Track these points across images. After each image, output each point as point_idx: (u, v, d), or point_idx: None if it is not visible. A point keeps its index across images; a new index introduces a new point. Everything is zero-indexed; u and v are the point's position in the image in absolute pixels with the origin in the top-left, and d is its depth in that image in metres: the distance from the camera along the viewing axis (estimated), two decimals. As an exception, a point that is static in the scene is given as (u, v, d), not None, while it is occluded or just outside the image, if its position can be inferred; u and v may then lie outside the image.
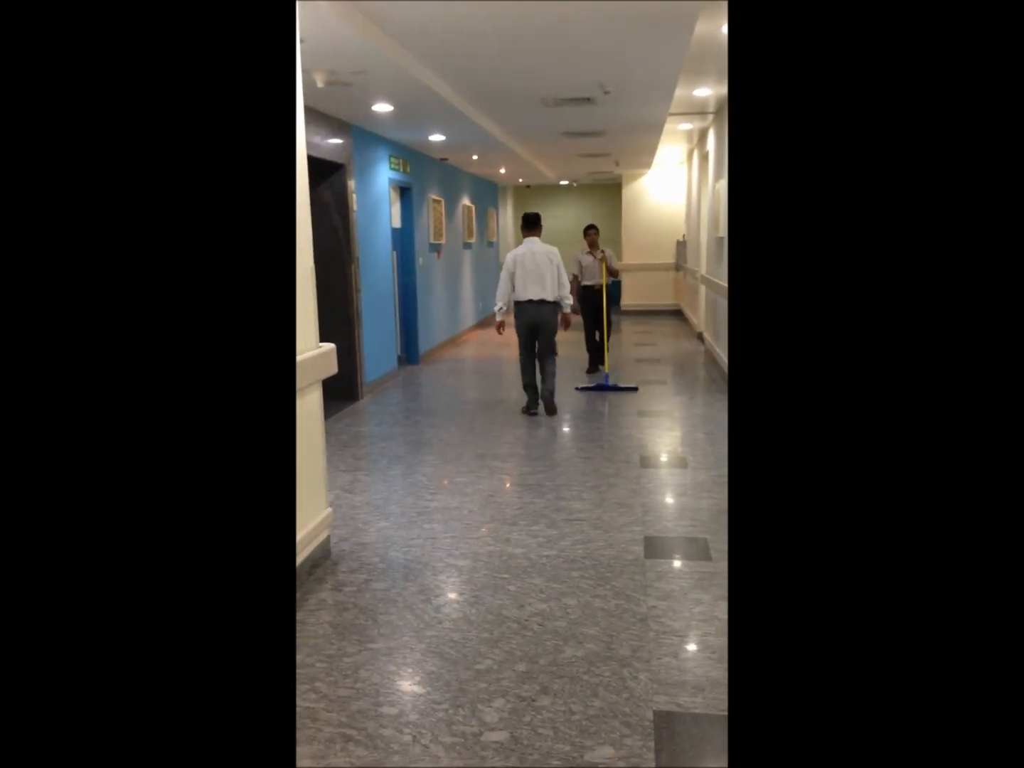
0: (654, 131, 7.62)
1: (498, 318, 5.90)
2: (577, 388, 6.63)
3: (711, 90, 6.21)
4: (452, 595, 2.90)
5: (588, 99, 5.61)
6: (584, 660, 2.40)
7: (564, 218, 14.13)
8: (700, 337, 9.32)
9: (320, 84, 4.37)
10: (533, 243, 5.70)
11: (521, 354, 5.88)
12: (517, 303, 5.73)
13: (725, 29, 4.15)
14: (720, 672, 2.29)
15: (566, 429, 5.47)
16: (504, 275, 5.71)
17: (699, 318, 9.46)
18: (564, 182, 13.86)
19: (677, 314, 12.30)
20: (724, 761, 1.91)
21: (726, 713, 2.08)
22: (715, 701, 2.16)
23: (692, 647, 2.47)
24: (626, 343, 9.74)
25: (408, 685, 2.31)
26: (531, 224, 5.77)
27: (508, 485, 4.21)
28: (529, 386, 5.83)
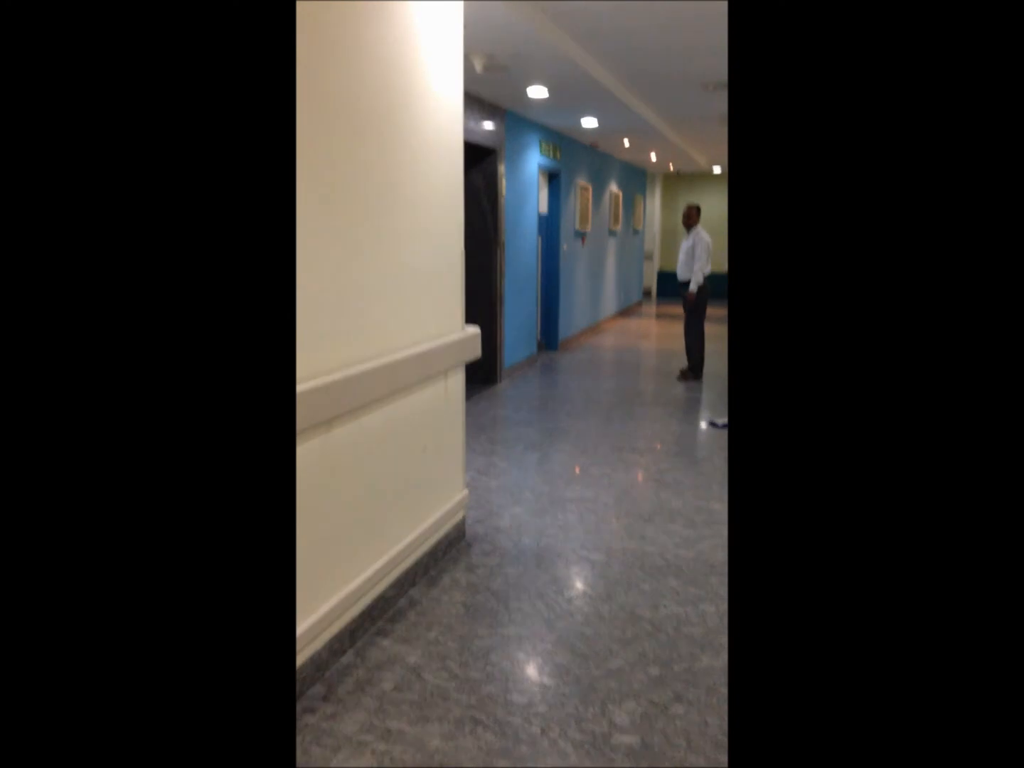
0: (820, 116, 7.16)
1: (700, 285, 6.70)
2: (713, 424, 5.28)
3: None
4: (584, 588, 2.86)
5: (751, 81, 5.33)
6: (721, 671, 2.29)
7: (715, 207, 13.63)
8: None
9: (479, 69, 4.40)
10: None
11: (701, 322, 6.77)
12: (706, 277, 6.69)
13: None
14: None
15: (705, 426, 5.27)
16: (706, 252, 6.63)
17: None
18: (717, 170, 13.37)
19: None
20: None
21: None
22: (866, 733, 1.99)
23: (841, 670, 2.30)
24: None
25: (538, 675, 2.29)
26: (700, 213, 6.93)
27: (644, 480, 4.11)
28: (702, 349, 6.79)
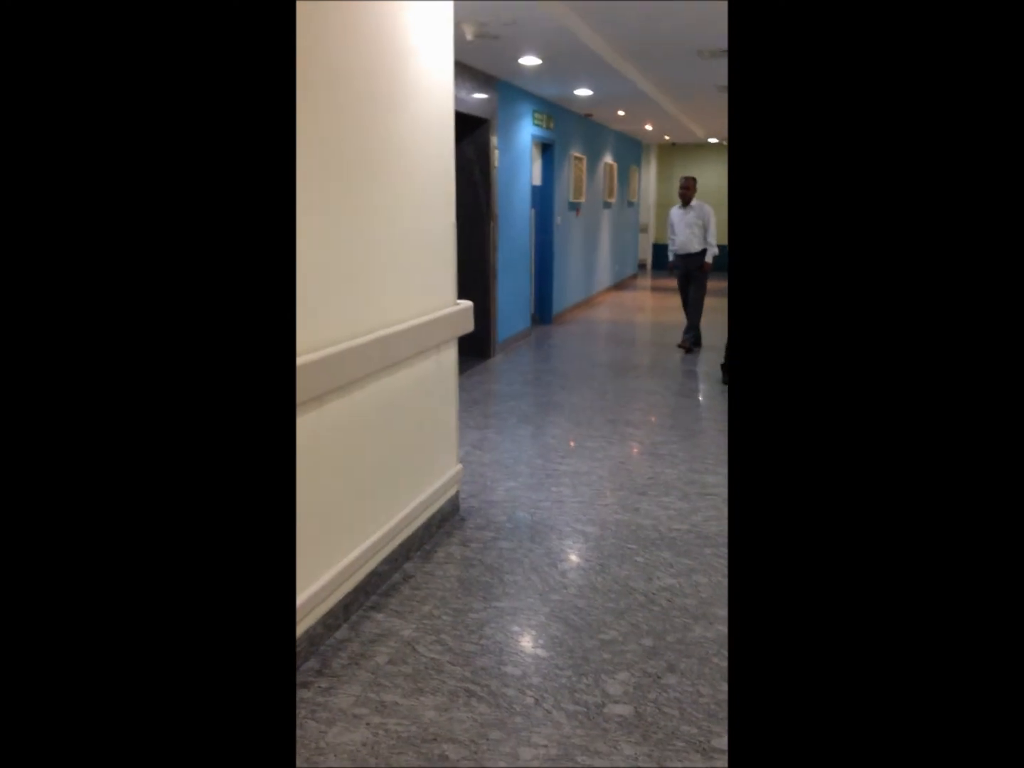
0: (816, 84, 7.08)
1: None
2: None
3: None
4: (578, 561, 2.87)
5: (747, 49, 5.25)
6: (714, 642, 2.31)
7: (710, 177, 13.52)
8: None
9: (469, 36, 4.32)
10: None
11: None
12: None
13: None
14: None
15: (701, 399, 5.28)
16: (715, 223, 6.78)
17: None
18: (713, 140, 13.24)
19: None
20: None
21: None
22: (857, 701, 2.01)
23: (833, 640, 2.31)
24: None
25: (532, 647, 2.31)
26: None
27: (639, 453, 4.11)
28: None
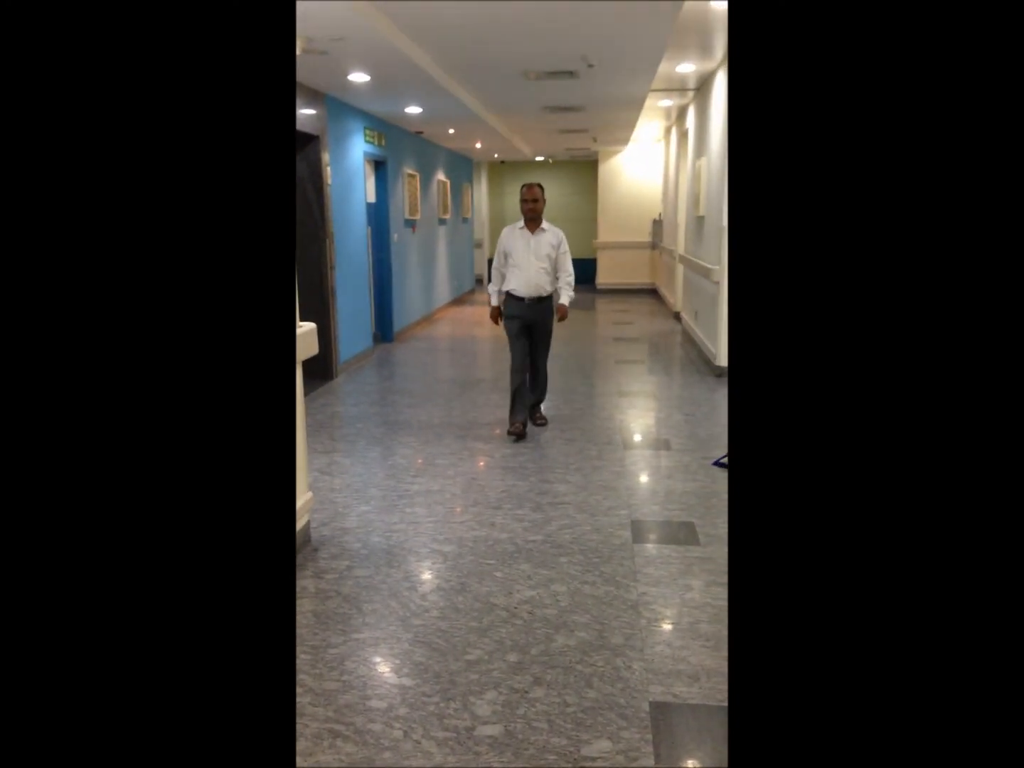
0: (634, 107, 7.52)
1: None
2: (719, 464, 4.03)
3: (693, 66, 6.11)
4: (438, 582, 2.83)
5: (571, 73, 5.48)
6: (576, 649, 2.35)
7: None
8: (677, 316, 9.30)
9: (296, 51, 4.19)
10: None
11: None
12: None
13: (712, 4, 4.06)
14: (714, 661, 2.26)
15: (546, 410, 5.40)
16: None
17: (676, 297, 9.43)
18: (540, 158, 13.69)
19: (652, 293, 12.28)
20: (724, 753, 1.87)
21: (723, 703, 2.04)
22: (711, 691, 2.12)
23: (685, 635, 2.43)
24: (603, 322, 9.71)
25: (396, 677, 2.24)
26: None
27: (490, 467, 4.14)
28: None
